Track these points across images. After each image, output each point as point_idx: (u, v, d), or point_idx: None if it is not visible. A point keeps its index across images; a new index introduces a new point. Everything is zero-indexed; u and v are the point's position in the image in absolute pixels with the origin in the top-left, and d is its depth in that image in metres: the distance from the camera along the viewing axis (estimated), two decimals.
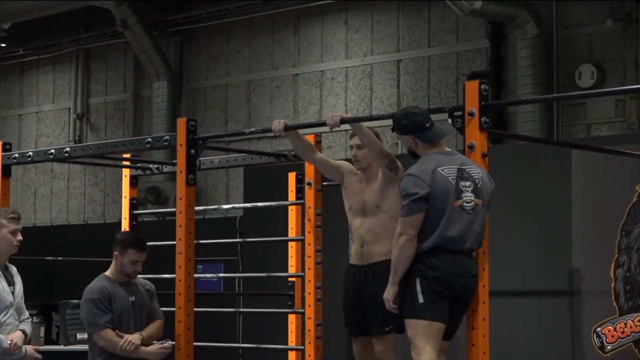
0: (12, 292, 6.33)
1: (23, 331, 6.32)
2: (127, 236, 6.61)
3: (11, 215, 6.40)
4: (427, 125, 5.45)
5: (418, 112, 5.53)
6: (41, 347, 7.38)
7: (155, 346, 6.46)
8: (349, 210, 6.33)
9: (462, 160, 5.34)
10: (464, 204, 5.24)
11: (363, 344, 6.28)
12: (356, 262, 6.24)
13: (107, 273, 6.52)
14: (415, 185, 5.24)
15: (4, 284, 6.27)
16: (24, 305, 6.47)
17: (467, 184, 5.27)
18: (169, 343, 6.47)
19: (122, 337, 6.33)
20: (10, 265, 6.51)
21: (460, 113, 5.34)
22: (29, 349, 6.34)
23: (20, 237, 6.42)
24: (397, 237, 5.28)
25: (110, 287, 6.42)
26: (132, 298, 6.47)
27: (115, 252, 6.47)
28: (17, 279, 6.45)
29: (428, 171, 5.27)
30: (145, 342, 6.44)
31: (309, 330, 7.63)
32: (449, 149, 5.52)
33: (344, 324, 6.44)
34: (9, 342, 6.12)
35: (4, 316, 6.20)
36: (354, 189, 6.32)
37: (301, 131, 6.54)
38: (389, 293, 5.39)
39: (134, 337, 6.35)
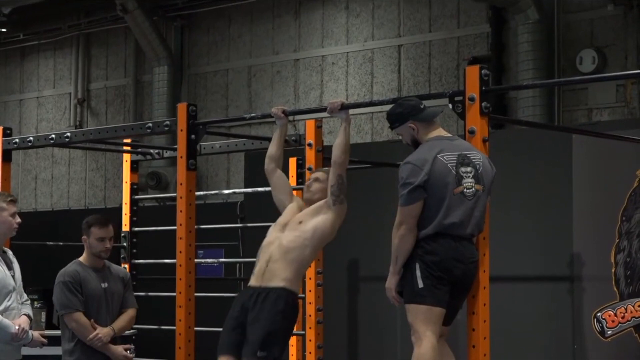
0: (13, 276, 6.35)
1: (28, 315, 6.34)
2: (89, 217, 6.69)
3: (10, 199, 6.43)
4: (422, 107, 5.46)
5: (409, 98, 5.58)
6: (45, 332, 7.39)
7: (120, 349, 6.47)
8: (273, 226, 6.10)
9: (463, 146, 5.33)
10: (465, 190, 5.24)
11: None
12: (253, 284, 5.87)
13: (81, 259, 6.60)
14: (412, 174, 5.23)
15: (4, 268, 6.29)
16: (22, 289, 6.50)
17: (468, 169, 5.27)
18: (132, 351, 6.52)
19: (94, 328, 6.35)
20: (7, 249, 6.53)
21: (461, 98, 5.34)
22: (35, 333, 6.37)
23: (19, 220, 6.45)
24: (397, 227, 5.27)
25: (82, 271, 6.48)
26: (105, 285, 6.53)
27: (83, 237, 6.57)
28: (15, 263, 6.47)
29: (427, 159, 5.26)
30: (117, 334, 6.51)
31: (310, 316, 7.64)
32: (450, 135, 5.51)
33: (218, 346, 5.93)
34: (16, 328, 6.15)
35: (7, 301, 6.22)
36: (291, 209, 6.14)
37: (302, 116, 6.54)
38: (391, 282, 5.39)
39: (104, 333, 6.37)
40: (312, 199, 6.05)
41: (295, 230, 5.92)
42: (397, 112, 5.50)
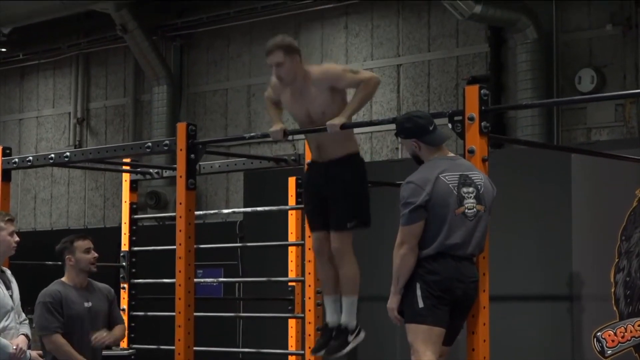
0: (11, 296, 6.33)
1: (26, 335, 6.32)
2: (65, 238, 6.67)
3: (8, 217, 6.43)
4: (431, 129, 5.45)
5: (421, 116, 5.54)
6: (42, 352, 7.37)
7: None
8: (296, 121, 6.17)
9: (465, 166, 5.33)
10: (466, 210, 5.23)
11: (321, 239, 6.00)
12: (317, 159, 6.02)
13: (63, 279, 6.58)
14: (414, 194, 5.23)
15: (3, 287, 6.28)
16: (20, 308, 6.48)
17: (470, 190, 5.27)
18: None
19: (73, 352, 6.32)
20: (5, 268, 6.52)
21: (460, 118, 5.34)
22: (33, 353, 6.35)
23: (17, 239, 6.45)
24: (399, 247, 5.27)
25: (64, 291, 6.46)
26: (88, 304, 6.50)
27: (66, 257, 6.52)
28: (14, 282, 6.46)
29: (429, 179, 5.26)
30: (112, 343, 6.58)
31: (309, 335, 7.62)
32: (452, 154, 5.51)
33: (306, 216, 6.21)
34: (14, 347, 6.13)
35: (5, 321, 6.20)
36: (289, 101, 6.10)
37: (302, 136, 6.54)
38: (392, 302, 5.39)
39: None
40: (290, 81, 5.94)
41: (324, 120, 5.84)
42: (406, 127, 5.50)
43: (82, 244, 6.50)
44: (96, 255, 6.54)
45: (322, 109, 5.91)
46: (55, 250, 6.61)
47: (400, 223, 5.27)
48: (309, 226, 6.22)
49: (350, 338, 5.97)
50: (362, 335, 6.06)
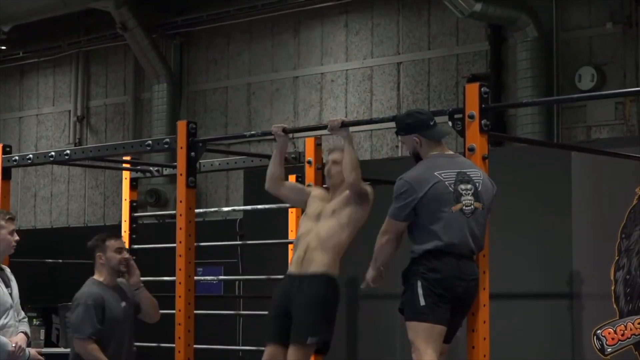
0: (10, 294, 6.33)
1: (25, 333, 6.32)
2: (98, 235, 6.59)
3: (9, 216, 6.43)
4: (431, 124, 5.47)
5: (422, 112, 5.62)
6: (42, 350, 7.38)
7: None
8: (304, 216, 6.19)
9: (463, 164, 5.34)
10: (464, 207, 5.24)
11: (273, 354, 5.96)
12: (293, 271, 6.01)
13: (99, 278, 6.45)
14: (405, 192, 5.27)
15: (2, 285, 6.28)
16: (20, 306, 6.47)
17: (468, 187, 5.27)
18: None
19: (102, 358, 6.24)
20: (5, 266, 6.51)
21: (460, 116, 5.35)
22: (32, 351, 6.35)
23: (17, 237, 6.45)
24: (382, 234, 5.43)
25: (104, 293, 6.37)
26: (123, 304, 6.43)
27: (97, 254, 6.43)
28: (13, 280, 6.46)
29: (423, 177, 5.27)
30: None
31: None
32: (451, 152, 5.52)
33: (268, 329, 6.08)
34: (13, 345, 6.13)
35: (4, 318, 6.20)
36: (318, 197, 6.20)
37: (302, 134, 6.55)
38: (369, 274, 5.56)
39: None
40: (336, 183, 6.13)
41: (330, 219, 6.02)
42: (406, 123, 5.52)
43: (114, 243, 6.42)
44: (127, 256, 6.46)
45: (335, 208, 6.06)
46: (87, 246, 6.51)
47: (388, 213, 5.34)
48: (267, 337, 6.04)
49: None
50: None
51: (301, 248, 6.04)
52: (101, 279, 6.43)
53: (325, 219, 6.04)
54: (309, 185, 7.32)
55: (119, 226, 8.82)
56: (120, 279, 6.58)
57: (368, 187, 6.08)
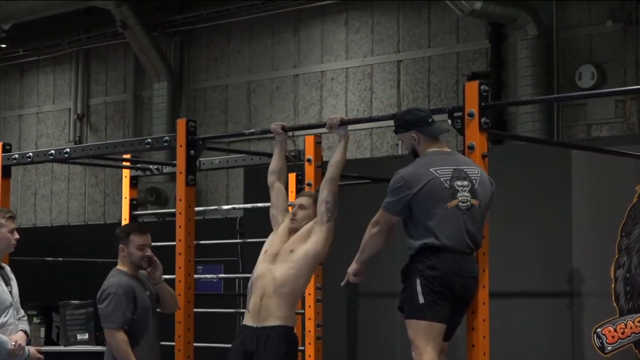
0: (10, 292, 6.33)
1: (24, 331, 6.32)
2: (126, 226, 6.51)
3: (9, 215, 6.42)
4: (430, 121, 5.47)
5: (420, 109, 5.63)
6: (42, 348, 7.37)
7: None
8: (263, 253, 6.10)
9: (461, 161, 5.34)
10: (460, 203, 5.24)
11: None
12: (250, 323, 5.89)
13: (123, 268, 6.30)
14: (400, 188, 5.28)
15: (2, 284, 6.28)
16: (20, 305, 6.47)
17: (465, 183, 5.28)
18: None
19: (130, 352, 6.14)
20: (5, 265, 6.51)
21: (460, 114, 5.35)
22: (32, 349, 6.34)
23: (17, 236, 6.44)
24: (373, 224, 5.42)
25: (132, 283, 6.23)
26: (148, 292, 6.32)
27: (120, 247, 6.29)
28: (13, 279, 6.45)
29: (418, 173, 5.28)
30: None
31: (309, 331, 7.64)
32: (449, 150, 5.52)
33: None
34: (13, 344, 6.13)
35: (4, 317, 6.20)
36: (280, 234, 6.10)
37: (302, 132, 6.54)
38: (352, 268, 5.57)
39: None
40: (298, 228, 6.02)
41: (286, 261, 5.90)
42: (404, 119, 5.53)
43: (137, 239, 6.26)
44: (150, 253, 6.30)
45: (293, 247, 5.95)
46: (115, 233, 6.38)
47: (382, 205, 5.34)
48: None
49: None
50: None
51: (257, 295, 5.88)
52: (125, 269, 6.31)
53: (281, 261, 5.92)
54: (308, 184, 7.29)
55: (119, 224, 8.82)
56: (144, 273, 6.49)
57: (333, 212, 5.92)
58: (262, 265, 6.00)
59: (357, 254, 5.53)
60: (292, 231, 6.05)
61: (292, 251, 5.92)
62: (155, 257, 6.36)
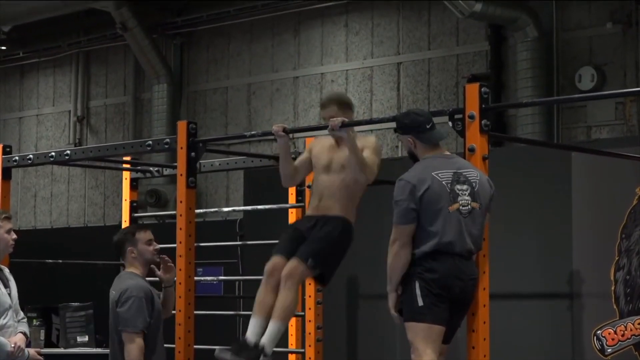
0: (9, 294, 6.33)
1: (24, 333, 6.32)
2: (126, 228, 6.52)
3: (5, 215, 6.43)
4: (428, 127, 5.46)
5: (420, 113, 5.58)
6: (42, 350, 7.37)
7: None
8: (315, 170, 6.25)
9: (460, 164, 5.34)
10: (461, 207, 5.25)
11: (278, 265, 6.04)
12: (312, 214, 6.14)
13: (135, 271, 6.31)
14: (407, 195, 5.26)
15: (1, 286, 6.28)
16: (19, 307, 6.47)
17: (464, 187, 5.28)
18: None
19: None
20: (3, 267, 6.51)
21: (460, 116, 5.35)
22: (31, 351, 6.35)
23: (15, 236, 6.44)
24: (391, 244, 5.33)
25: (149, 286, 6.27)
26: (158, 292, 6.36)
27: (128, 249, 6.30)
28: (12, 281, 6.45)
29: (422, 178, 5.28)
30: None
31: (309, 333, 7.63)
32: (448, 153, 5.52)
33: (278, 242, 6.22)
34: (12, 346, 6.13)
35: (3, 319, 6.21)
36: (324, 148, 6.22)
37: (302, 134, 6.54)
38: (390, 301, 5.41)
39: None
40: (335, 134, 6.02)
41: (340, 173, 6.05)
42: (403, 123, 5.53)
43: (144, 235, 6.32)
44: (158, 247, 6.37)
45: (344, 162, 6.05)
46: (114, 241, 6.38)
47: (393, 221, 5.31)
48: (277, 249, 6.16)
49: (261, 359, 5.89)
50: None
51: (316, 198, 6.12)
52: (137, 272, 6.32)
53: (335, 172, 6.09)
54: (309, 186, 7.29)
55: (119, 226, 8.81)
56: None
57: (378, 157, 6.09)
58: (321, 176, 6.16)
59: (388, 284, 5.41)
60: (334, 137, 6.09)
61: (343, 166, 6.04)
62: (168, 259, 6.39)
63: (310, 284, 7.62)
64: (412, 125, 5.48)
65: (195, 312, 6.35)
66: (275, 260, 6.06)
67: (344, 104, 6.17)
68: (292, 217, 8.17)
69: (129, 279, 6.28)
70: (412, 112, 5.62)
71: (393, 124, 5.69)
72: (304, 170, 6.41)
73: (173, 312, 6.43)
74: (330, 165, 6.13)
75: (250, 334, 5.93)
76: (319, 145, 6.29)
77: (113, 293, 6.28)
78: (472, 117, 5.28)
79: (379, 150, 6.15)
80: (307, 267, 5.92)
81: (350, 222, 6.09)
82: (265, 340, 5.87)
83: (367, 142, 6.10)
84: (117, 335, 6.22)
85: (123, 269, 6.51)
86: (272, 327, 5.89)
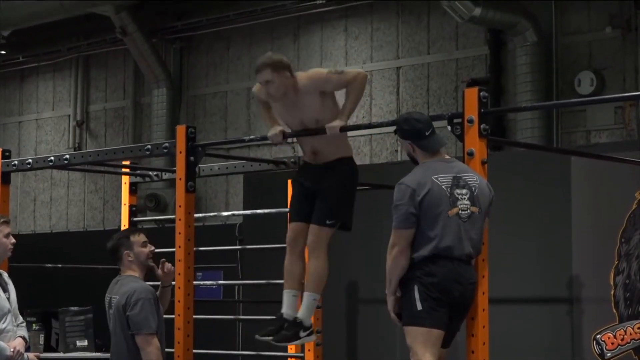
0: (8, 299, 6.33)
1: (23, 338, 6.32)
2: (119, 233, 6.49)
3: (3, 219, 6.43)
4: (427, 134, 5.45)
5: (419, 119, 5.53)
6: (41, 355, 7.37)
7: None
8: (290, 129, 6.17)
9: (459, 169, 5.34)
10: (460, 212, 5.24)
11: (298, 230, 6.07)
12: (310, 162, 6.13)
13: (135, 274, 6.28)
14: (406, 198, 5.24)
15: (0, 290, 6.28)
16: (18, 311, 6.46)
17: (464, 191, 5.27)
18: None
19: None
20: (2, 271, 6.51)
21: (459, 120, 5.35)
22: (30, 356, 6.34)
23: (13, 240, 6.43)
24: (390, 249, 5.31)
25: (152, 288, 6.25)
26: (158, 294, 6.35)
27: (125, 253, 6.27)
28: (11, 285, 6.45)
29: (422, 182, 5.27)
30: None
31: None
32: (448, 157, 5.52)
33: (290, 208, 6.27)
34: (11, 350, 6.12)
35: (2, 323, 6.20)
36: (282, 112, 6.14)
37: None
38: (389, 304, 5.41)
39: None
40: (279, 96, 5.97)
41: (318, 124, 5.96)
42: (403, 129, 5.52)
43: (138, 238, 6.30)
44: (153, 248, 6.34)
45: (315, 117, 5.98)
46: (109, 247, 6.34)
47: (393, 225, 5.30)
48: (291, 216, 6.24)
49: (302, 334, 6.00)
50: (313, 337, 6.10)
51: (308, 147, 6.11)
52: (136, 275, 6.29)
53: (313, 127, 6.00)
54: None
55: (118, 231, 8.81)
56: None
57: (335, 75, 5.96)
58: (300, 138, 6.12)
59: (386, 287, 5.39)
60: (279, 101, 6.03)
61: (317, 121, 5.97)
62: (165, 260, 6.39)
63: None
64: (411, 132, 5.47)
65: (195, 316, 6.34)
66: (293, 227, 6.10)
67: (278, 66, 5.91)
68: None
69: (132, 282, 6.26)
70: (411, 118, 5.58)
71: (392, 129, 5.69)
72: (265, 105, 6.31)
73: (170, 316, 6.41)
74: (304, 124, 6.04)
75: (286, 309, 6.01)
76: (276, 105, 6.15)
77: (116, 298, 6.24)
78: (471, 121, 5.28)
79: (328, 75, 5.97)
80: (327, 228, 5.96)
81: (349, 156, 6.09)
82: (302, 314, 5.97)
83: (319, 78, 5.97)
84: (126, 339, 6.17)
85: (120, 274, 6.49)
86: (307, 299, 5.97)
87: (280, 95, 5.99)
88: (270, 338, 6.00)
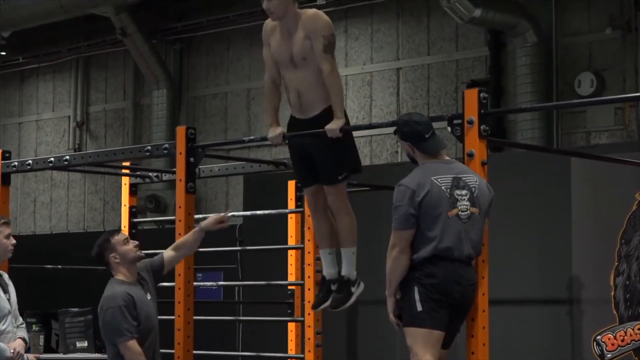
0: (8, 300, 6.33)
1: (23, 339, 6.32)
2: (99, 240, 6.41)
3: (3, 220, 6.42)
4: (427, 136, 5.44)
5: (419, 121, 5.52)
6: (41, 356, 7.37)
7: None
8: (279, 65, 6.14)
9: (459, 170, 5.34)
10: (460, 212, 5.24)
11: (314, 193, 6.08)
12: (298, 115, 6.09)
13: (120, 277, 6.18)
14: (406, 200, 5.24)
15: (0, 292, 6.27)
16: (18, 312, 6.46)
17: (463, 192, 5.27)
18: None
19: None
20: (2, 272, 6.51)
21: (459, 121, 5.35)
22: (30, 357, 6.34)
23: (14, 241, 6.43)
24: (390, 250, 5.31)
25: (130, 291, 6.09)
26: (149, 295, 6.21)
27: (111, 256, 6.16)
28: (11, 286, 6.45)
29: (422, 183, 5.27)
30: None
31: (309, 339, 7.63)
32: (448, 158, 5.52)
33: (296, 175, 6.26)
34: (11, 351, 6.12)
35: (2, 324, 6.20)
36: (277, 42, 6.10)
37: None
38: (389, 305, 5.41)
39: None
40: (281, 16, 5.94)
41: (305, 66, 5.95)
42: (402, 131, 5.52)
43: (118, 237, 6.21)
44: (137, 242, 6.27)
45: (304, 55, 5.94)
46: (93, 255, 6.25)
47: (392, 226, 5.30)
48: (300, 184, 6.28)
49: (353, 289, 6.02)
50: (362, 286, 6.14)
51: (294, 95, 6.05)
52: (123, 277, 6.19)
53: (301, 67, 5.96)
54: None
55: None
56: (140, 265, 6.34)
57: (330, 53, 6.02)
58: (287, 72, 6.05)
59: (386, 288, 5.39)
60: (279, 21, 5.99)
61: (305, 59, 5.93)
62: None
63: (309, 289, 7.61)
64: (411, 134, 5.47)
65: (195, 317, 6.35)
66: (309, 192, 6.11)
67: None
68: (292, 222, 8.18)
69: (108, 289, 6.16)
70: (411, 120, 5.56)
71: (392, 130, 5.68)
72: (271, 67, 6.26)
73: (171, 317, 6.40)
74: (293, 60, 6.00)
75: (326, 268, 6.08)
76: (273, 40, 6.14)
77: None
78: (471, 122, 5.28)
79: (329, 35, 6.01)
80: (339, 183, 5.95)
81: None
82: (346, 271, 6.02)
83: (316, 28, 5.96)
84: (111, 345, 6.14)
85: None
86: (345, 255, 6.02)
87: (280, 14, 5.93)
88: (327, 304, 6.05)
